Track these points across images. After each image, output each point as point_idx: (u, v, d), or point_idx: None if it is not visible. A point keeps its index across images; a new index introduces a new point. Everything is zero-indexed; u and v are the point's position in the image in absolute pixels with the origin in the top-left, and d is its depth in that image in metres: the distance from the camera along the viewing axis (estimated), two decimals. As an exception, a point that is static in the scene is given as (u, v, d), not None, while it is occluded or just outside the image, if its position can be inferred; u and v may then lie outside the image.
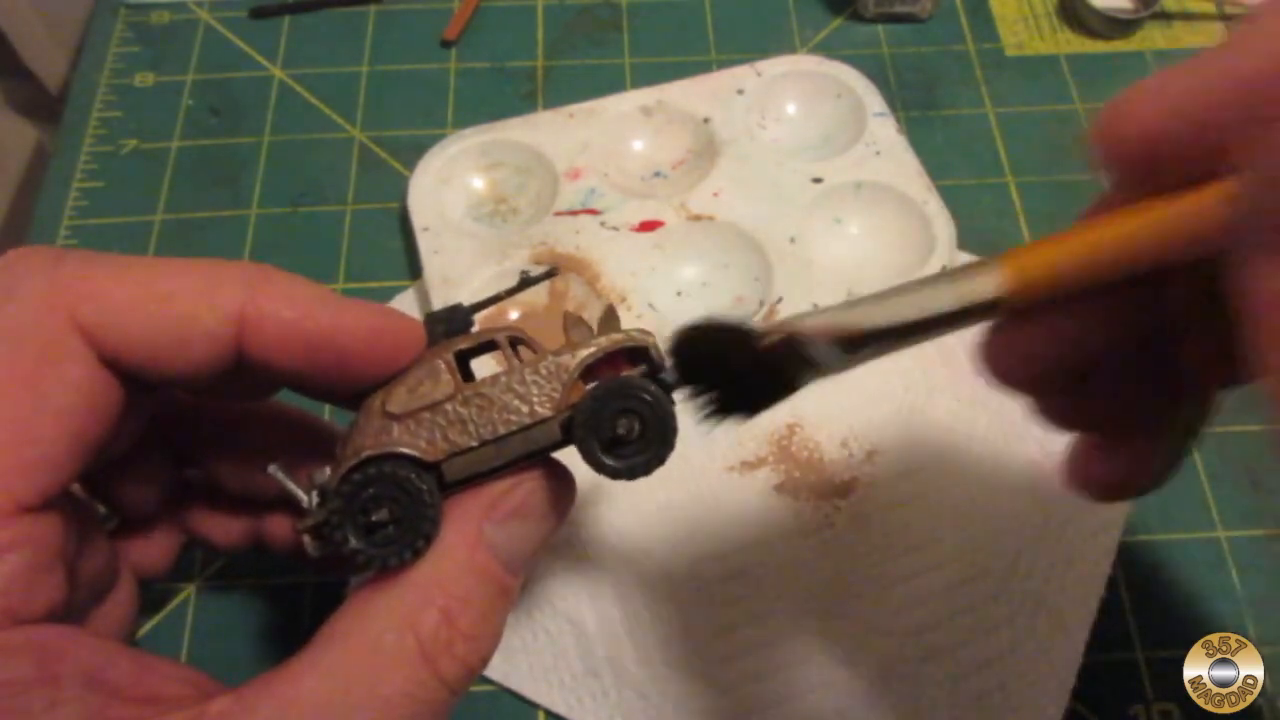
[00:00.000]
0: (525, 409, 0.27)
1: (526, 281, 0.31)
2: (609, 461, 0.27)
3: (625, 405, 0.27)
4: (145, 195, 0.52)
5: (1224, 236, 0.20)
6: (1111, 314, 0.25)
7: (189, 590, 0.41)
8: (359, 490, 0.26)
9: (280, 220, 0.51)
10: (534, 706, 0.38)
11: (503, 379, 0.28)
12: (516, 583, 0.28)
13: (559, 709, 0.38)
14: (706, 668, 0.38)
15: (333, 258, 0.50)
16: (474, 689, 0.35)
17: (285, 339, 0.27)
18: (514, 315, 0.46)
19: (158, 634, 0.40)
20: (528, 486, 0.28)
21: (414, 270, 0.49)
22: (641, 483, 0.28)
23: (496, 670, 0.38)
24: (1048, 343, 0.25)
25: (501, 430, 0.27)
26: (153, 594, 0.34)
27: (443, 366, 0.28)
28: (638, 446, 0.27)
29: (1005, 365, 0.26)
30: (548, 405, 0.27)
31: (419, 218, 0.48)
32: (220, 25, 0.58)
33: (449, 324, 0.29)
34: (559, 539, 0.40)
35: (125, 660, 0.25)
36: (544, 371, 0.28)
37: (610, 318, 0.29)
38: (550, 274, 0.32)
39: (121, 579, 0.32)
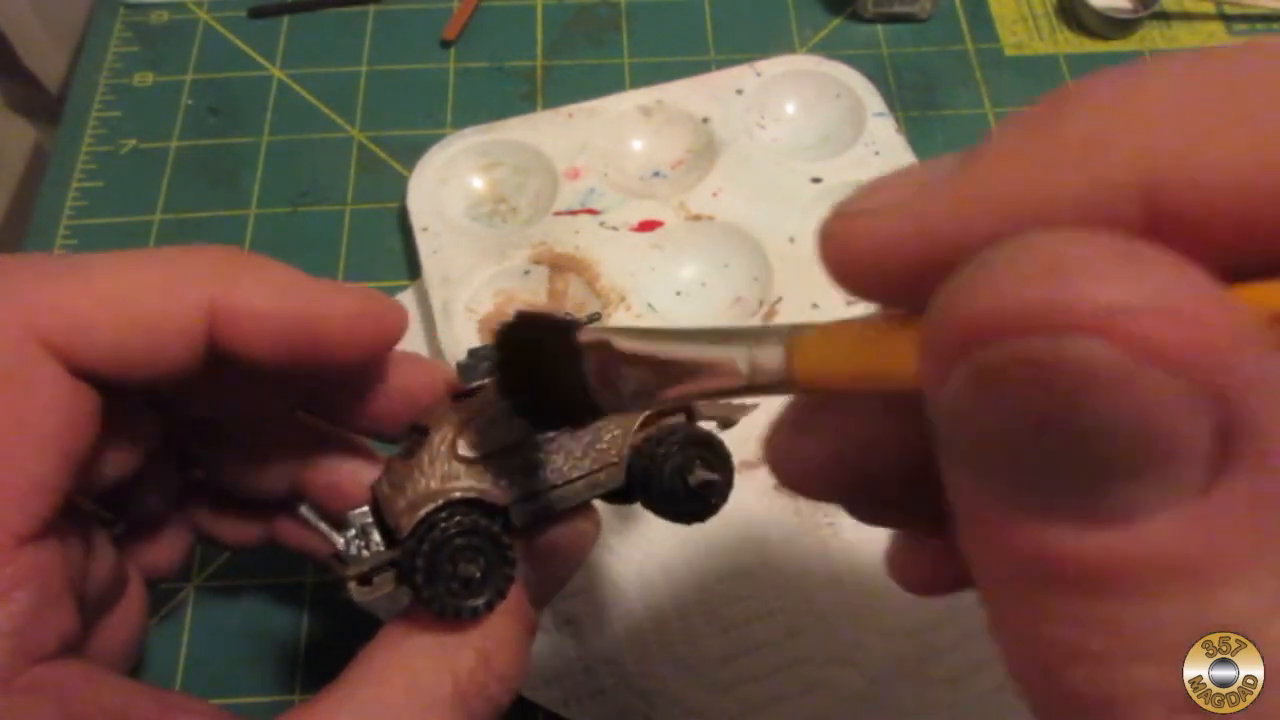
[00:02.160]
0: (592, 455, 0.28)
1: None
2: (690, 504, 0.29)
3: (701, 454, 0.29)
4: (144, 195, 0.52)
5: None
6: (895, 421, 0.20)
7: (188, 590, 0.41)
8: (446, 539, 0.26)
9: (279, 220, 0.51)
10: (534, 706, 0.38)
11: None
12: (539, 619, 0.29)
13: (558, 709, 0.38)
14: (706, 667, 0.38)
15: (332, 258, 0.50)
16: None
17: (259, 329, 0.26)
18: (513, 315, 0.46)
19: (157, 634, 0.40)
20: (563, 526, 0.28)
21: (413, 270, 0.49)
22: None
23: (496, 670, 0.38)
24: (831, 450, 0.21)
25: (571, 475, 0.28)
26: (151, 594, 0.34)
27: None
28: (714, 489, 0.29)
29: (789, 471, 0.22)
30: (613, 451, 0.28)
31: (418, 217, 0.48)
32: (219, 25, 0.58)
33: (493, 361, 0.29)
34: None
35: (145, 699, 0.25)
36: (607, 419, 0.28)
37: None
38: (594, 318, 0.33)
39: (130, 584, 0.31)
